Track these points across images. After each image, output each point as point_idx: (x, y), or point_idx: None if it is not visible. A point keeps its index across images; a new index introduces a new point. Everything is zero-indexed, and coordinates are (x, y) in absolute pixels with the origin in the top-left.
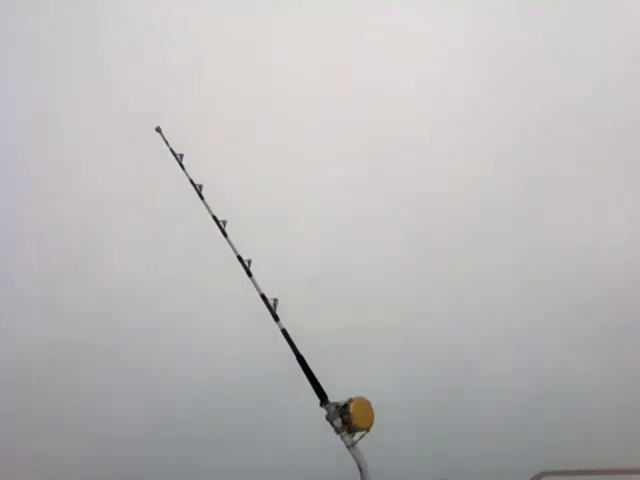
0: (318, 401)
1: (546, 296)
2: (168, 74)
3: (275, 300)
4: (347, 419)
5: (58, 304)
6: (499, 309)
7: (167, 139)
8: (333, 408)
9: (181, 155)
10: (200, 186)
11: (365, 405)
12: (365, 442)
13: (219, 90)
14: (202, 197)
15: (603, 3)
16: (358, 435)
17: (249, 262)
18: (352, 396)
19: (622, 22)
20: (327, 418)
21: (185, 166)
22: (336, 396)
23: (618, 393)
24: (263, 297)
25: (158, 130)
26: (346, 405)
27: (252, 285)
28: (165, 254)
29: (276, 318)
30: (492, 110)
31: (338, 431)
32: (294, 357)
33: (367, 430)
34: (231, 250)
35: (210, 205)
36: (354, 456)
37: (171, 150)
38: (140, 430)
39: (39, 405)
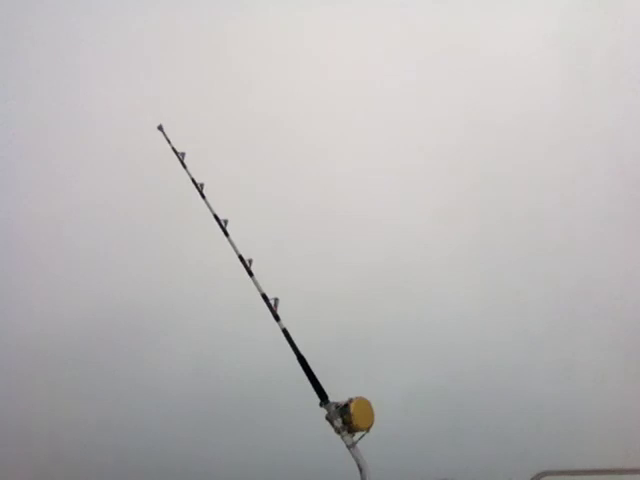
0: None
1: None
2: (170, 72)
3: (276, 300)
4: (347, 419)
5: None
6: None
7: (169, 138)
8: (333, 408)
9: (183, 154)
10: (202, 185)
11: (365, 405)
12: (365, 441)
13: (221, 88)
14: (204, 196)
15: None
16: (358, 435)
17: (250, 262)
18: (352, 396)
19: None
20: (327, 418)
21: (187, 165)
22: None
23: (619, 393)
24: (264, 297)
25: (160, 128)
26: (346, 405)
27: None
28: (165, 253)
29: (277, 318)
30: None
31: (338, 431)
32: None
33: (367, 430)
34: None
35: (211, 204)
36: (354, 456)
37: (173, 149)
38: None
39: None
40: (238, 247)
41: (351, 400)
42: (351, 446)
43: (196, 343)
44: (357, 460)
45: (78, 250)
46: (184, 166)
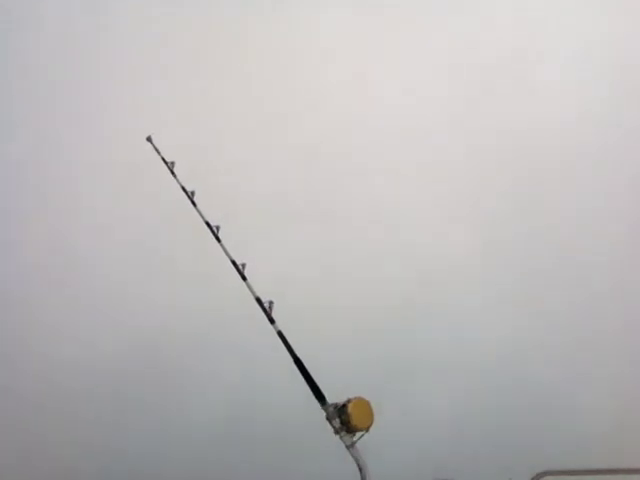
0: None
1: None
2: (159, 79)
3: (270, 303)
4: (345, 419)
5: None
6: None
7: (158, 147)
8: (332, 409)
9: (172, 163)
10: (192, 193)
11: (364, 405)
12: (365, 442)
13: (210, 94)
14: (194, 204)
15: None
16: (358, 435)
17: (243, 266)
18: (351, 396)
19: None
20: (327, 419)
21: (176, 174)
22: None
23: (619, 393)
24: (258, 300)
25: (149, 140)
26: (344, 405)
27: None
28: (159, 260)
29: (272, 321)
30: None
31: (337, 431)
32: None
33: (366, 430)
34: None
35: (202, 211)
36: (353, 456)
37: (162, 159)
38: None
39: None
40: (232, 252)
41: (349, 400)
42: (350, 446)
43: (195, 350)
44: (357, 460)
45: (75, 263)
46: (174, 175)
